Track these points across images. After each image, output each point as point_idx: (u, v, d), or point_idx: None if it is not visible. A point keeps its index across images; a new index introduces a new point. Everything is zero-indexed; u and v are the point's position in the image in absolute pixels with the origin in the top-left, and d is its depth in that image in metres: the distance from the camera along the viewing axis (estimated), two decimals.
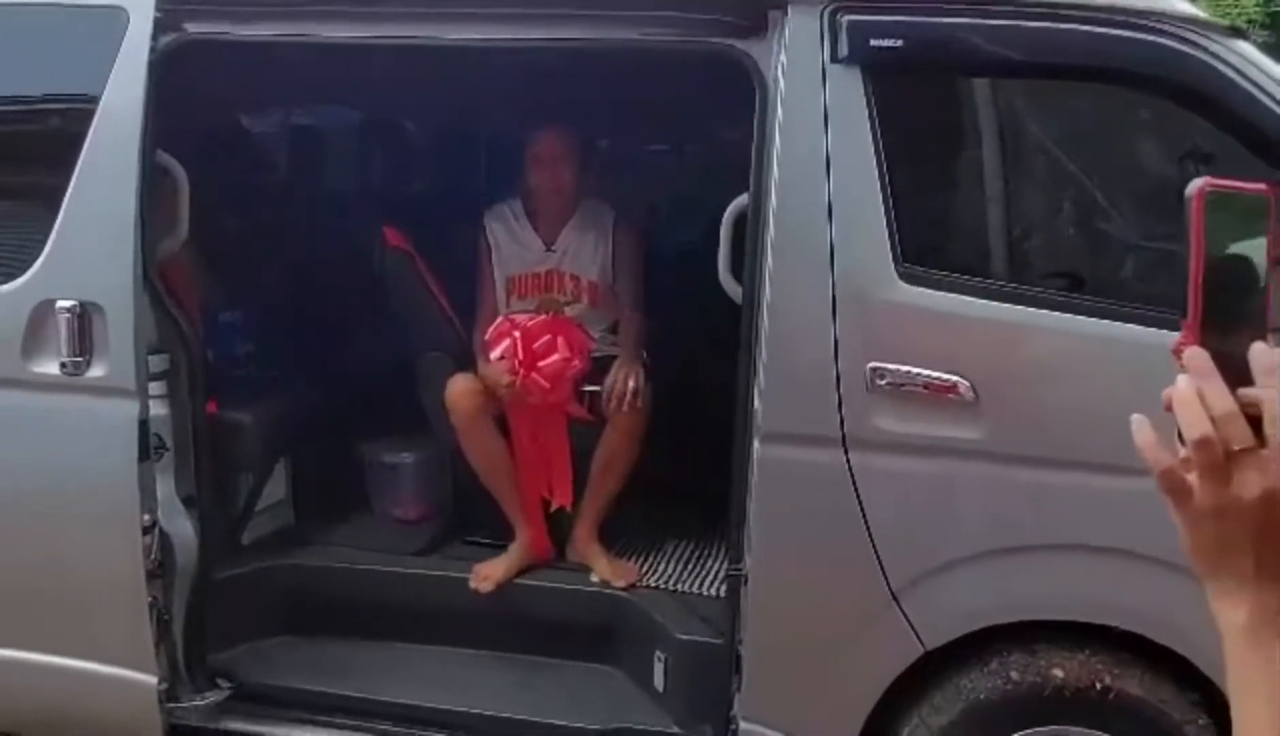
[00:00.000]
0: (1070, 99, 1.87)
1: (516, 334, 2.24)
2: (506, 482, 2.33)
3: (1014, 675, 1.76)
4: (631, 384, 2.23)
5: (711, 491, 2.10)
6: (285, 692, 2.14)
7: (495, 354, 2.26)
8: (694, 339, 2.56)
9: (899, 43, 1.65)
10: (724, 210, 1.86)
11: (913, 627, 1.76)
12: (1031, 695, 1.75)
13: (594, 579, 2.30)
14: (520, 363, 2.21)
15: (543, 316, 2.29)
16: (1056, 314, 1.68)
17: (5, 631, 2.03)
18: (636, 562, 2.37)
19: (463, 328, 2.47)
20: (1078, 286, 1.76)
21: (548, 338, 2.23)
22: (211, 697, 2.09)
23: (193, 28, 1.89)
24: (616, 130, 3.35)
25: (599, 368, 2.34)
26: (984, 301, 1.70)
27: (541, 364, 2.20)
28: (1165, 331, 1.64)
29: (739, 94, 1.76)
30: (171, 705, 2.04)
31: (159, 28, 1.86)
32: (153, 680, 2.00)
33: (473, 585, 2.26)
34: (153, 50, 1.86)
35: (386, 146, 3.24)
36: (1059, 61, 1.70)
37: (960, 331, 1.70)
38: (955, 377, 1.68)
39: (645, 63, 2.12)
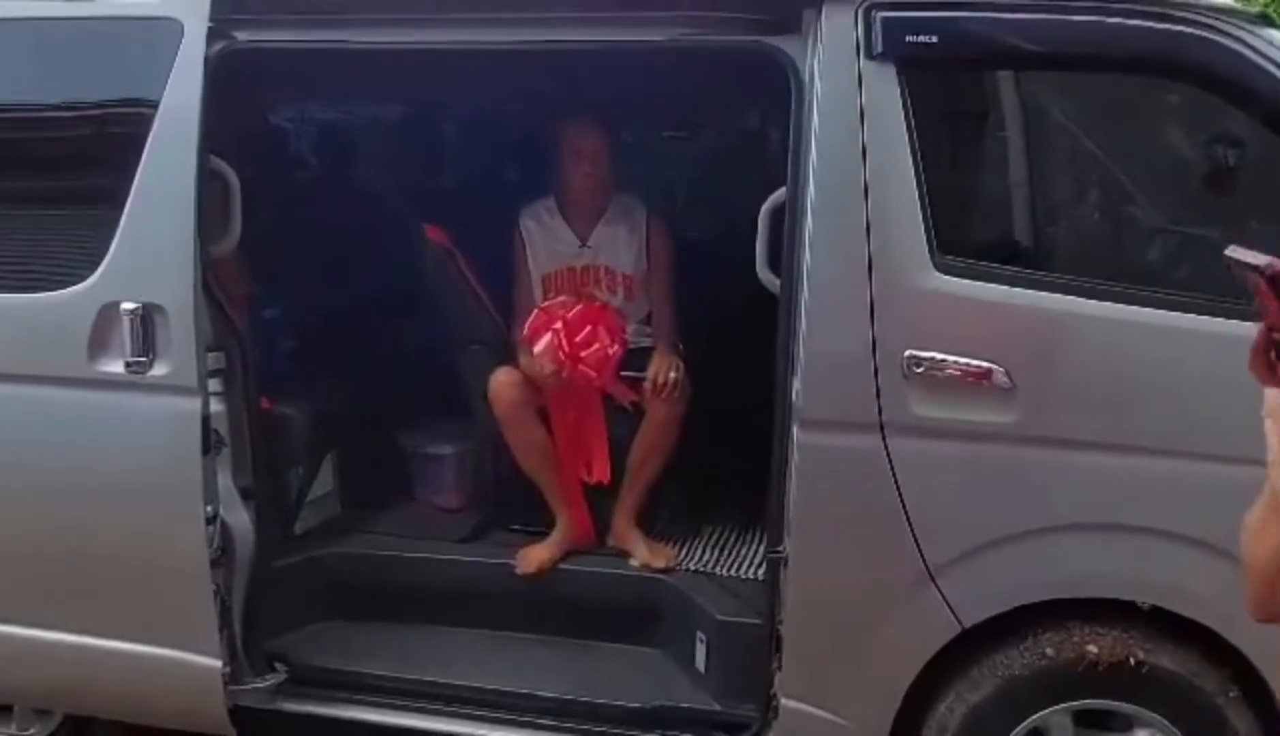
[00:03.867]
0: (1102, 89, 1.90)
1: (559, 326, 2.28)
2: (550, 470, 2.39)
3: (1049, 651, 1.82)
4: (673, 375, 2.29)
5: (745, 476, 2.16)
6: (336, 675, 2.22)
7: (539, 348, 2.30)
8: (722, 327, 2.61)
9: (933, 39, 1.68)
10: (743, 201, 1.89)
11: (950, 606, 1.81)
12: (1066, 670, 1.80)
13: (633, 563, 2.36)
14: (566, 355, 2.26)
15: (579, 305, 2.32)
16: (1090, 301, 1.72)
17: (79, 619, 2.12)
18: (676, 547, 2.43)
19: (503, 320, 2.53)
20: (1111, 274, 1.79)
21: (589, 328, 2.28)
22: (270, 680, 2.18)
23: (243, 36, 1.95)
24: (639, 124, 3.38)
25: (634, 358, 2.40)
26: (1018, 290, 1.74)
27: (584, 354, 2.26)
28: (1198, 316, 1.68)
29: (762, 87, 1.78)
30: (233, 688, 2.12)
31: (212, 36, 1.92)
32: (217, 664, 2.09)
33: (518, 569, 2.33)
34: (206, 58, 1.92)
35: (424, 143, 3.30)
36: (1092, 53, 1.73)
37: (995, 319, 1.74)
38: (990, 364, 1.72)
39: (673, 58, 2.16)
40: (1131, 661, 1.78)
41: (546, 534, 2.42)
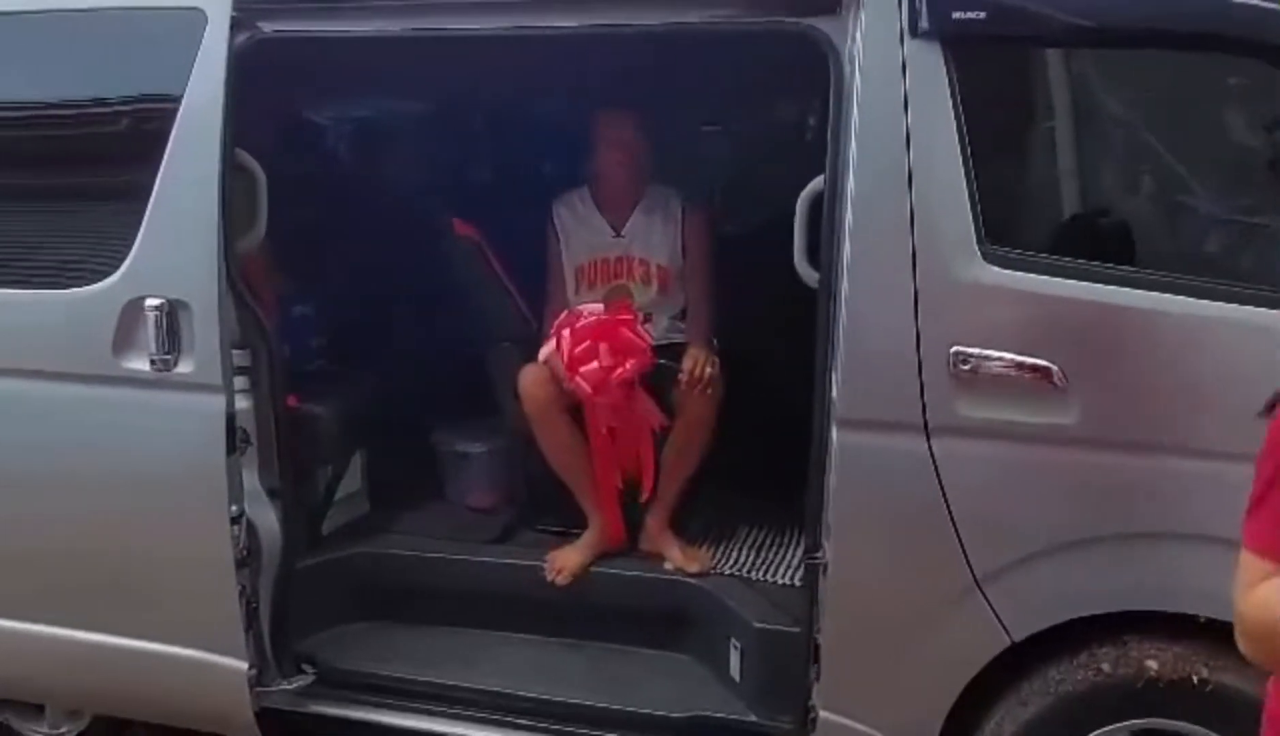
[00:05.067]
0: (1159, 70, 1.79)
1: (565, 333, 2.22)
2: (580, 471, 2.33)
3: (1105, 667, 1.71)
4: (708, 371, 2.21)
5: (782, 477, 2.09)
6: (365, 677, 2.18)
7: (542, 355, 2.26)
8: (758, 322, 2.53)
9: (981, 14, 1.59)
10: (781, 192, 1.83)
11: (998, 618, 1.72)
12: (1124, 687, 1.69)
13: (667, 566, 2.30)
14: (565, 365, 2.20)
15: (594, 318, 2.23)
16: (1148, 293, 1.61)
17: (105, 619, 2.11)
18: (710, 550, 2.36)
19: (533, 316, 2.48)
20: (1168, 264, 1.68)
21: (587, 344, 2.18)
22: (297, 682, 2.15)
23: (267, 26, 1.91)
24: (675, 115, 3.31)
25: (667, 354, 2.33)
26: (1071, 281, 1.64)
27: (582, 369, 2.17)
28: (1261, 309, 1.57)
29: (800, 72, 1.71)
30: (260, 689, 2.09)
31: (235, 27, 1.89)
32: (243, 665, 2.06)
33: (548, 577, 2.27)
34: (230, 49, 1.89)
35: (454, 136, 3.26)
36: (1152, 29, 1.62)
37: (1047, 313, 1.64)
38: (1043, 361, 1.62)
39: (709, 45, 2.09)
40: (1194, 679, 1.66)
41: (578, 535, 2.37)
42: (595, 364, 2.16)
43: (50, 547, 2.10)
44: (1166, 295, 1.61)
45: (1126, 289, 1.62)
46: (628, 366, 2.17)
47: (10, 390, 2.04)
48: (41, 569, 2.13)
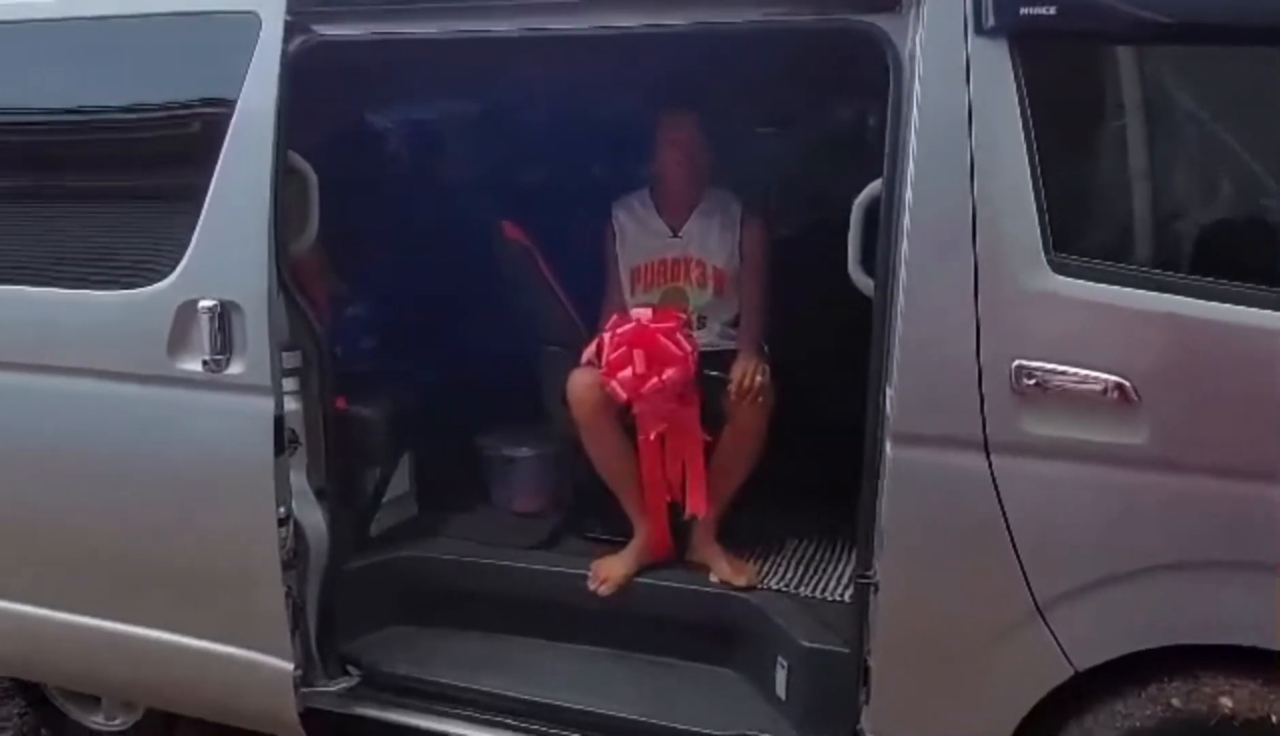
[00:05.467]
0: (1241, 67, 1.68)
1: (606, 337, 2.19)
2: (627, 480, 2.29)
3: (1175, 702, 1.61)
4: (759, 379, 2.16)
5: (834, 490, 2.02)
6: (409, 681, 2.18)
7: (586, 355, 2.24)
8: (810, 329, 2.47)
9: (1052, 10, 1.51)
10: (837, 197, 1.77)
11: (1060, 646, 1.63)
12: (1196, 725, 1.59)
13: (713, 579, 2.25)
14: (603, 370, 2.17)
15: (634, 323, 2.20)
16: (1227, 306, 1.51)
17: (157, 615, 2.14)
18: (757, 564, 2.31)
19: (582, 321, 2.45)
20: (1248, 275, 1.57)
21: (623, 350, 2.14)
22: (343, 684, 2.16)
23: (321, 29, 1.92)
24: (730, 117, 3.27)
25: (717, 361, 2.28)
26: (1144, 292, 1.54)
27: (619, 375, 2.14)
28: None
29: (858, 73, 1.65)
30: (306, 690, 2.10)
31: (289, 31, 1.90)
32: (289, 666, 2.07)
33: (591, 587, 2.24)
34: (284, 53, 1.90)
35: (506, 139, 3.26)
36: (1236, 24, 1.52)
37: (1119, 326, 1.55)
38: (1113, 377, 1.54)
39: (764, 44, 2.04)
40: (1273, 719, 1.56)
41: (625, 543, 2.33)
42: (629, 371, 2.13)
43: (104, 545, 2.14)
44: (1247, 308, 1.51)
45: (1203, 301, 1.52)
46: (664, 376, 2.12)
47: (69, 389, 2.09)
48: (96, 565, 2.17)
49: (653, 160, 2.43)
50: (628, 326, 2.19)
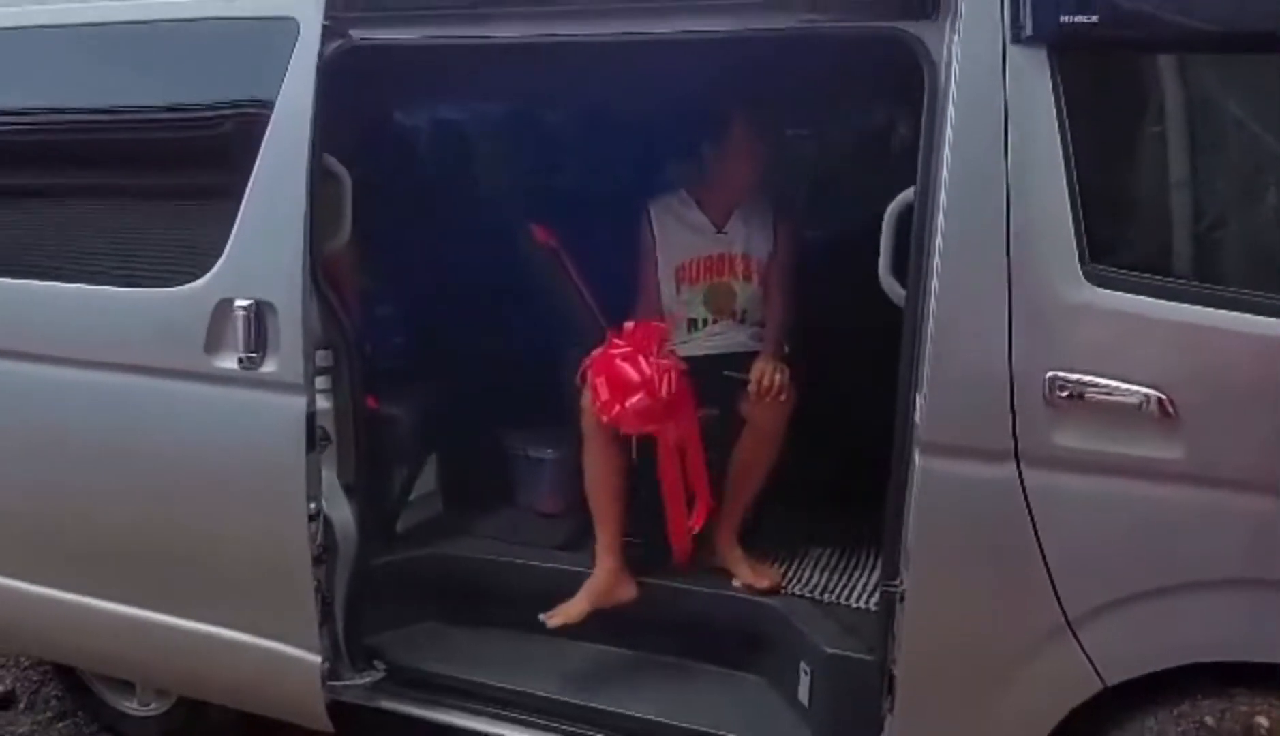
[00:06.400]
0: None
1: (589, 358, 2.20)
2: (605, 508, 2.24)
3: (1208, 720, 1.59)
4: (777, 378, 2.15)
5: (860, 494, 2.01)
6: (432, 677, 2.20)
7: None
8: (836, 332, 2.46)
9: (1093, 18, 1.48)
10: (870, 202, 1.75)
11: (1090, 660, 1.61)
12: None
13: (735, 583, 2.24)
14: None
15: (599, 351, 2.21)
16: (1268, 319, 1.48)
17: (192, 606, 2.18)
18: (781, 568, 2.30)
19: (608, 324, 2.45)
20: None
21: (596, 378, 2.16)
22: (369, 677, 2.18)
23: (358, 34, 1.94)
24: (761, 120, 3.25)
25: (737, 362, 2.27)
26: (1183, 306, 1.52)
27: (595, 399, 2.16)
28: None
29: (892, 79, 1.64)
30: (333, 683, 2.13)
31: (326, 35, 1.93)
32: (316, 659, 2.10)
33: (541, 617, 2.18)
34: (320, 57, 1.92)
35: (537, 141, 3.27)
36: None
37: (1155, 338, 1.53)
38: (1150, 390, 1.51)
39: (796, 49, 2.03)
40: None
41: (644, 544, 2.32)
42: (595, 397, 2.14)
43: (140, 536, 2.18)
44: None
45: (1242, 314, 1.49)
46: (626, 403, 2.10)
47: (109, 384, 2.13)
48: (132, 556, 2.21)
49: (716, 162, 2.39)
50: (596, 352, 2.20)
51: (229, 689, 2.29)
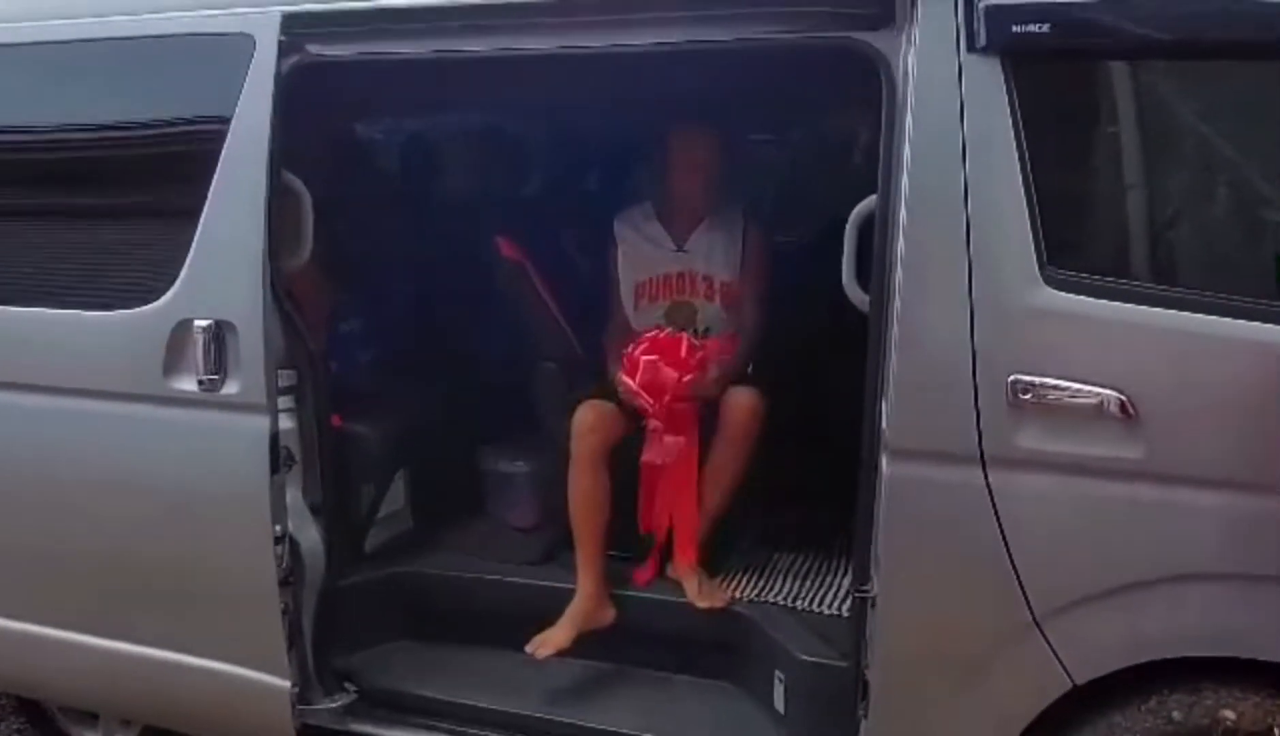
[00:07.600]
0: (1237, 81, 1.68)
1: (635, 353, 2.21)
2: (588, 532, 2.22)
3: (1176, 715, 1.61)
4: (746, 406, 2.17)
5: (830, 501, 2.02)
6: (406, 698, 2.18)
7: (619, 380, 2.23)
8: (804, 338, 2.47)
9: (1045, 27, 1.51)
10: (833, 207, 1.77)
11: (1059, 659, 1.63)
12: None
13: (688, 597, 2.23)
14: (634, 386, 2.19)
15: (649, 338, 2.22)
16: (1224, 320, 1.51)
17: (155, 633, 2.14)
18: (754, 576, 2.30)
19: (575, 337, 2.45)
20: (1244, 289, 1.57)
21: (651, 357, 2.17)
22: (340, 700, 2.15)
23: (315, 49, 1.92)
24: (723, 126, 3.27)
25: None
26: (1140, 307, 1.54)
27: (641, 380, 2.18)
28: None
29: (852, 86, 1.65)
30: (302, 707, 2.10)
31: (283, 51, 1.91)
32: (285, 684, 2.07)
33: (529, 649, 2.17)
34: (277, 73, 1.90)
35: (500, 155, 3.27)
36: (1232, 39, 1.52)
37: (1114, 340, 1.55)
38: (1110, 391, 1.54)
39: (758, 57, 2.04)
40: (1275, 731, 1.55)
41: (622, 557, 2.32)
42: (644, 375, 2.14)
43: (100, 563, 2.14)
44: (1242, 321, 1.51)
45: (1198, 315, 1.52)
46: (683, 378, 2.15)
47: (66, 409, 2.09)
48: (93, 584, 2.17)
49: (664, 176, 2.40)
50: (647, 338, 2.21)
51: (196, 717, 2.24)
